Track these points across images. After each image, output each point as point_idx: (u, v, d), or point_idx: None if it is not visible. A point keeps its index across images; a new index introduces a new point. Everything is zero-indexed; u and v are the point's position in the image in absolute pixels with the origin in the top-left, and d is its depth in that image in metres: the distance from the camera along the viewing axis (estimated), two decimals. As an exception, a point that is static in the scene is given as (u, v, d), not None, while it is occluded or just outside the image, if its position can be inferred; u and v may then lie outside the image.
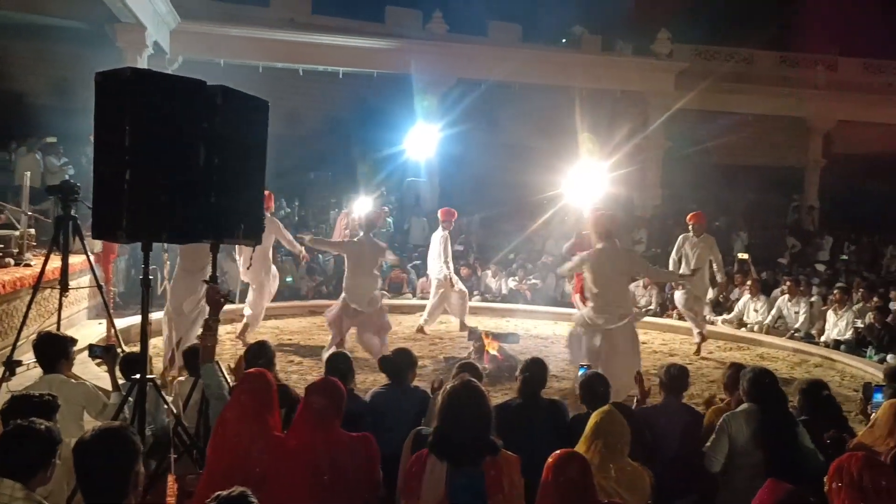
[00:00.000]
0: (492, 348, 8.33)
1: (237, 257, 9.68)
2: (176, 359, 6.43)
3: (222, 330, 9.36)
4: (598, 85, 18.46)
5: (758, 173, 21.76)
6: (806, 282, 12.82)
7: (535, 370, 4.55)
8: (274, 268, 9.77)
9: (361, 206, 10.71)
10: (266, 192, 9.03)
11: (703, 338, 9.97)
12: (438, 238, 10.43)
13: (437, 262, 10.41)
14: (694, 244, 9.93)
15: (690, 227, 10.04)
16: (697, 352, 9.86)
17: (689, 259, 9.90)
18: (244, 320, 9.33)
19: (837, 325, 10.74)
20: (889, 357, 9.40)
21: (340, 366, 4.58)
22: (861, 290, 12.02)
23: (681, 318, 10.91)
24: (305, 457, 3.22)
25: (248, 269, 9.37)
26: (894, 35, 20.99)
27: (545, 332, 11.02)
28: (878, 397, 4.61)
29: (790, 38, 20.75)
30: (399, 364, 4.83)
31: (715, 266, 10.16)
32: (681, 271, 9.86)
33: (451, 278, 10.38)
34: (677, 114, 18.39)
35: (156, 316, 8.14)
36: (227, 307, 4.20)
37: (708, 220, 10.80)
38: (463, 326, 10.26)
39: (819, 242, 18.06)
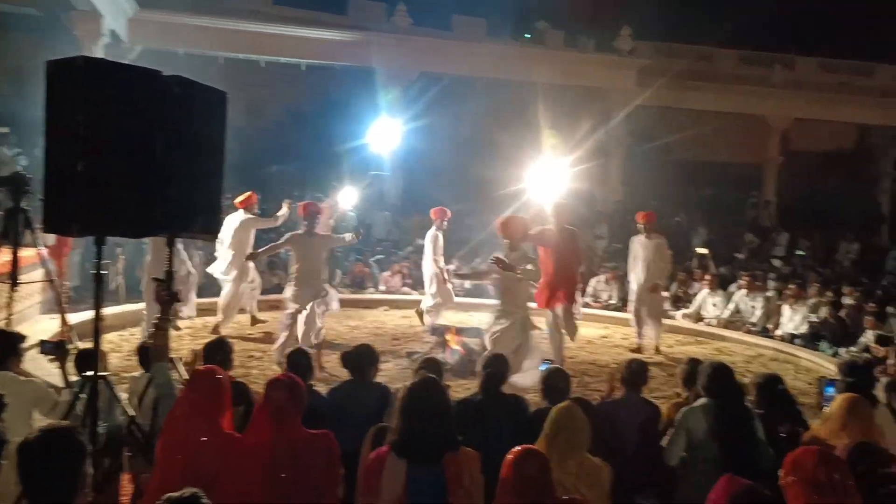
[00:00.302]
0: (454, 343, 8.32)
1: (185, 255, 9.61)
2: None
3: (182, 325, 9.28)
4: (561, 80, 18.49)
5: (717, 170, 22.05)
6: (763, 277, 13.03)
7: (497, 366, 4.55)
8: (253, 267, 9.72)
9: (346, 196, 10.58)
10: (249, 193, 9.21)
11: (639, 347, 9.55)
12: (430, 237, 10.05)
13: (431, 262, 10.06)
14: (645, 245, 9.59)
15: (641, 227, 9.71)
16: (637, 350, 9.45)
17: (639, 258, 9.64)
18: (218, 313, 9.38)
19: (793, 320, 10.92)
20: (842, 351, 9.60)
21: (301, 362, 4.54)
22: (816, 285, 12.26)
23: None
24: (265, 454, 3.16)
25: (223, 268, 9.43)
26: (850, 34, 21.44)
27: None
28: (830, 391, 4.68)
29: (749, 36, 21.02)
30: (361, 360, 4.79)
31: (661, 267, 9.70)
32: (634, 277, 9.76)
33: (444, 273, 10.11)
34: (639, 110, 18.51)
35: (110, 311, 8.01)
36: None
37: (667, 216, 10.70)
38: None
39: (776, 238, 18.36)
